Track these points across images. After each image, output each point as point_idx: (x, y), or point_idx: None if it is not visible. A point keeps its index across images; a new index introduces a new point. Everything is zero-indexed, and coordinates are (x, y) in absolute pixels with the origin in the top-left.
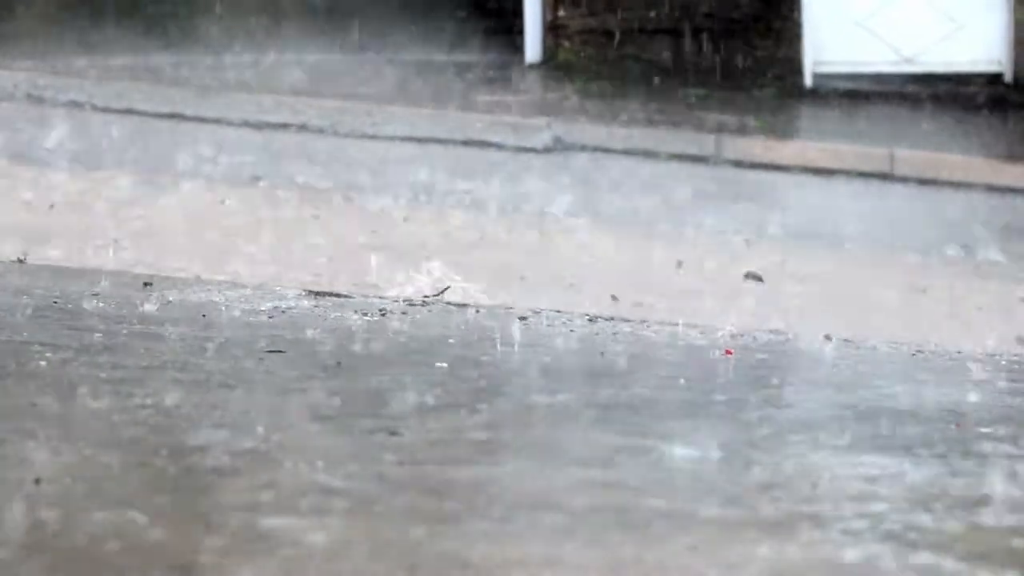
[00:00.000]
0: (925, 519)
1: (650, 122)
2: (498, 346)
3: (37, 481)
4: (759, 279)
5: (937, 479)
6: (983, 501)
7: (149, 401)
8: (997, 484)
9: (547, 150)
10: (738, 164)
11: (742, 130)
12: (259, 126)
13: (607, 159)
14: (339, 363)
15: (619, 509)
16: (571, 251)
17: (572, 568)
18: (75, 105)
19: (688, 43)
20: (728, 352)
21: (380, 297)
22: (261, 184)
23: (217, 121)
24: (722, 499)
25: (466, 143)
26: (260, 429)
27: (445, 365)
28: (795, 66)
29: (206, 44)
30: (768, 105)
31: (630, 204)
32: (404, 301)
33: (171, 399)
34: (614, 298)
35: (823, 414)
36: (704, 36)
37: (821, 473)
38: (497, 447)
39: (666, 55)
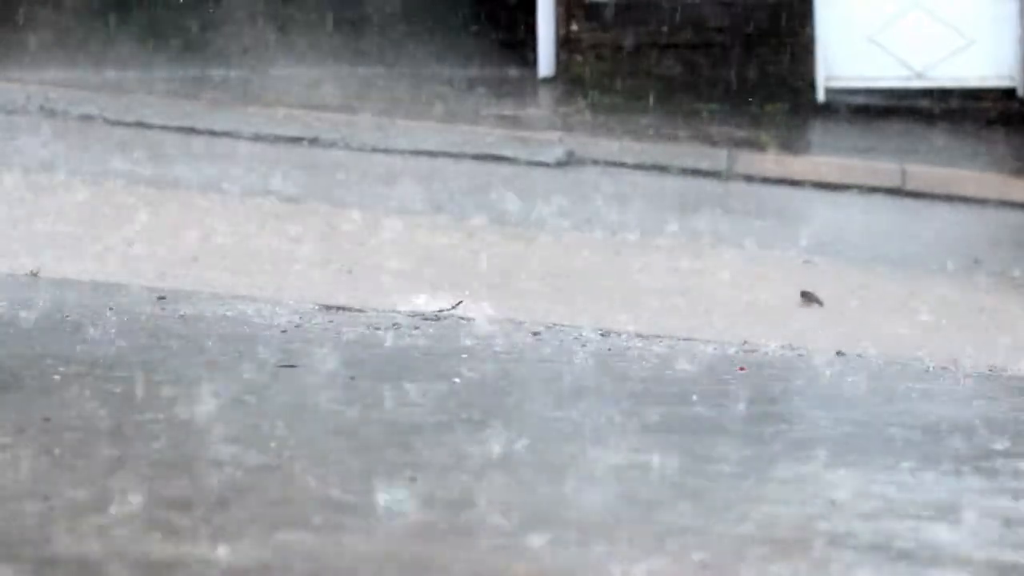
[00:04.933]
0: (939, 537)
1: (662, 137)
2: (511, 361)
3: (46, 497)
4: (815, 299)
5: (950, 496)
6: (996, 518)
7: (162, 416)
8: (1011, 501)
9: (560, 164)
10: (750, 179)
11: (754, 145)
12: (270, 139)
13: (619, 173)
14: (352, 377)
15: (632, 524)
16: (583, 265)
17: None
18: (87, 118)
19: (700, 58)
20: (742, 368)
21: (393, 311)
22: (273, 197)
23: (228, 134)
24: (736, 515)
25: (478, 157)
26: (273, 444)
27: (458, 380)
28: (807, 81)
29: (217, 58)
30: (780, 120)
31: (642, 219)
32: (417, 315)
33: (184, 414)
34: (625, 312)
35: (837, 430)
36: (716, 51)
37: (834, 489)
38: (510, 462)
39: (678, 70)
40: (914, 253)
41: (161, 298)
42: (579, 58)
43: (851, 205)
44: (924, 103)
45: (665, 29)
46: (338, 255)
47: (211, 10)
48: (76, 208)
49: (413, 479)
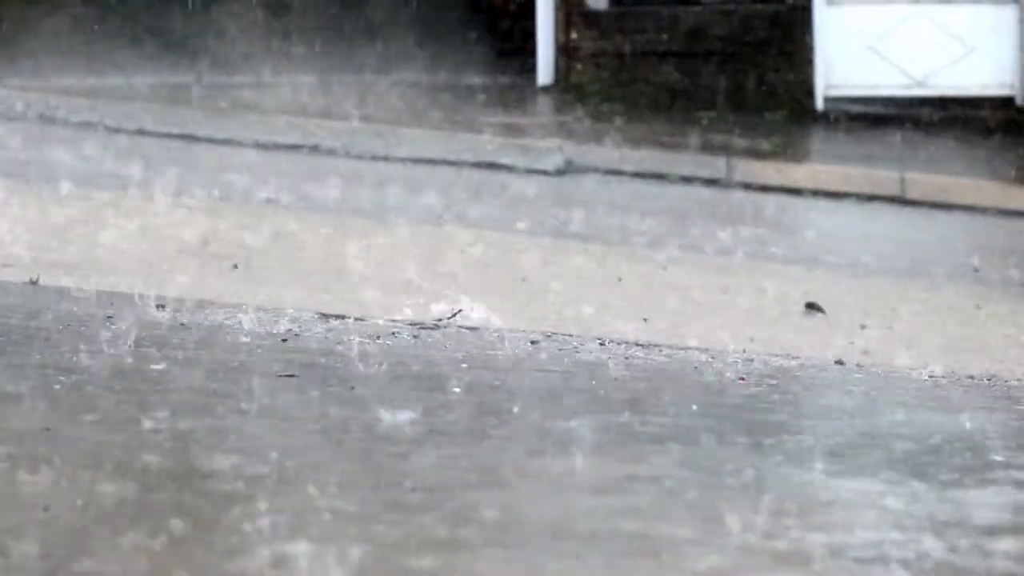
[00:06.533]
0: (939, 547)
1: (662, 145)
2: (510, 370)
3: (46, 508)
4: (819, 309)
5: (950, 506)
6: (997, 528)
7: (163, 426)
8: (1011, 511)
9: (559, 172)
10: (749, 187)
11: (753, 153)
12: (270, 147)
13: (619, 182)
14: (352, 387)
15: (633, 536)
16: (582, 274)
17: None
18: (87, 125)
19: (700, 66)
20: (741, 378)
21: (392, 320)
22: (273, 205)
23: (228, 142)
24: (736, 526)
25: (478, 165)
26: (274, 454)
27: (458, 389)
28: (806, 89)
29: (218, 65)
30: (779, 128)
31: (641, 227)
32: (416, 324)
33: (185, 424)
34: (624, 321)
35: (836, 440)
36: (716, 59)
37: (834, 500)
38: (511, 473)
39: (678, 78)
40: (913, 261)
41: (160, 306)
42: (578, 66)
43: (850, 213)
44: (923, 111)
45: (664, 37)
46: (338, 263)
47: (212, 17)
48: (75, 215)
49: (413, 490)
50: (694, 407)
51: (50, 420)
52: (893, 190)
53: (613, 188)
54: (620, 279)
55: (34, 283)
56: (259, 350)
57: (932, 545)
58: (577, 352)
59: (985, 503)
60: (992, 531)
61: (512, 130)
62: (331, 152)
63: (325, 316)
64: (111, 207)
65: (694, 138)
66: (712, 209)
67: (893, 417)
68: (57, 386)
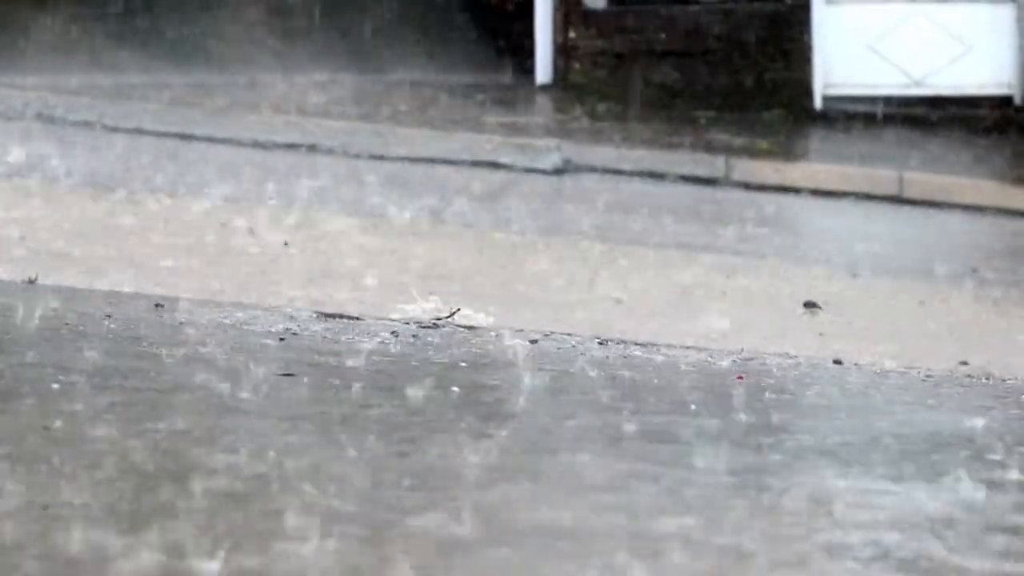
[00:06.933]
0: (938, 548)
1: (660, 144)
2: (510, 369)
3: (45, 507)
4: (817, 308)
5: (949, 507)
6: (996, 529)
7: (161, 425)
8: (1008, 511)
9: (557, 171)
10: (747, 186)
11: (752, 152)
12: (269, 146)
13: (617, 181)
14: (350, 387)
15: (632, 535)
16: (581, 273)
17: None
18: (85, 125)
19: (698, 65)
20: (739, 377)
21: (391, 319)
22: (271, 204)
23: (227, 141)
24: (734, 527)
25: (476, 164)
26: (272, 454)
27: (457, 389)
28: (805, 89)
29: (216, 64)
30: (778, 127)
31: (639, 226)
32: (415, 324)
33: (182, 423)
34: (623, 320)
35: (835, 440)
36: (714, 59)
37: (833, 501)
38: (510, 472)
39: (676, 77)
40: (911, 261)
41: (159, 306)
42: (577, 65)
43: (849, 212)
44: (922, 111)
45: (663, 36)
46: (337, 262)
47: (210, 17)
48: (73, 215)
49: (412, 489)
50: (692, 406)
51: (49, 419)
52: (891, 189)
53: (611, 187)
54: (617, 279)
55: (32, 282)
56: (257, 349)
57: (931, 545)
58: (576, 351)
59: (984, 502)
60: (991, 531)
61: (510, 129)
62: (329, 151)
63: (323, 315)
64: (106, 206)
65: (692, 137)
66: (710, 208)
67: (891, 416)
68: (55, 385)
